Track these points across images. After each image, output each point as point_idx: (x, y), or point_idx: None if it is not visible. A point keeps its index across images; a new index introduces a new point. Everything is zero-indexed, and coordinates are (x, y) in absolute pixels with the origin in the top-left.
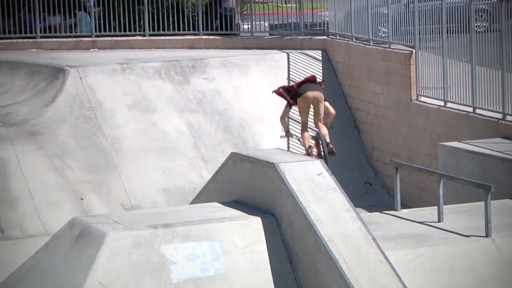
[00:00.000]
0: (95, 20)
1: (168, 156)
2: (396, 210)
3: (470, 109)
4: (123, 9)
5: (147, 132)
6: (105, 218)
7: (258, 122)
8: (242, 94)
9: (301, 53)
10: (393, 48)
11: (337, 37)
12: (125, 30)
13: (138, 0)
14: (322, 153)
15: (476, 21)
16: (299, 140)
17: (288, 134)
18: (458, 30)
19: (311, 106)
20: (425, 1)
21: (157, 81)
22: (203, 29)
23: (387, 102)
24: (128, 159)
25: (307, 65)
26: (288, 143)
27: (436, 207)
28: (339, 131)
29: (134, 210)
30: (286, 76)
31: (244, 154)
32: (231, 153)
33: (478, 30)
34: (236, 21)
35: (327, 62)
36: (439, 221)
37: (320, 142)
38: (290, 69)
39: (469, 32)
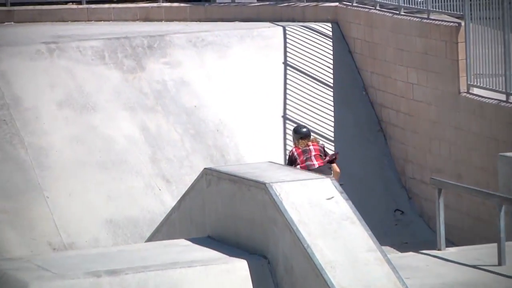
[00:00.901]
0: None
1: (114, 174)
2: (439, 249)
3: None
4: None
5: (85, 139)
6: (26, 262)
7: (242, 124)
8: (219, 84)
9: (303, 26)
10: (433, 19)
11: (354, 4)
12: None
13: None
14: None
15: None
16: None
17: None
18: None
19: None
20: None
21: (98, 67)
22: None
23: (425, 96)
24: (57, 179)
25: (312, 43)
26: (285, 156)
27: (495, 245)
28: (357, 137)
29: (67, 250)
30: (282, 60)
31: (222, 171)
32: (204, 169)
33: None
34: None
35: (340, 40)
36: (500, 264)
37: None
38: (288, 50)
39: None
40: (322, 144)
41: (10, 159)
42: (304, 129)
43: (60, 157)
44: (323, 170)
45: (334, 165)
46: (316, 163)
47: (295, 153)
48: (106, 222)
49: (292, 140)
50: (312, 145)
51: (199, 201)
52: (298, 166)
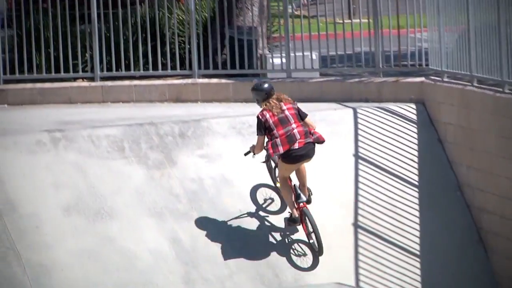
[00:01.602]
0: (3, 53)
1: None
2: None
3: None
4: (53, 33)
5: (99, 255)
6: None
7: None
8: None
9: (379, 108)
10: None
11: (445, 79)
12: (57, 71)
13: (81, 17)
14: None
15: None
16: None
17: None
18: None
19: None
20: None
21: (116, 161)
22: (199, 67)
23: None
24: None
25: (390, 129)
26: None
27: None
28: (449, 249)
29: None
30: (352, 150)
31: None
32: None
33: None
34: (260, 52)
35: (427, 125)
36: None
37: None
38: (360, 138)
39: None
40: (296, 103)
41: (4, 281)
42: (266, 85)
43: (67, 277)
44: (309, 152)
45: (307, 121)
46: (298, 136)
47: (269, 120)
48: None
49: (256, 101)
50: (288, 109)
51: None
52: (278, 140)
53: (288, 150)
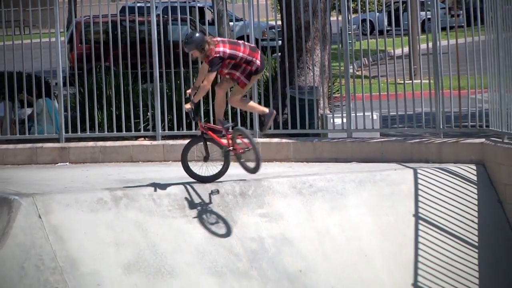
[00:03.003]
0: (65, 111)
1: None
2: None
3: None
4: (115, 92)
5: None
6: None
7: None
8: (332, 243)
9: (439, 168)
10: None
11: (505, 140)
12: (119, 130)
13: (143, 76)
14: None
15: None
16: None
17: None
18: None
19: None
20: None
21: (176, 220)
22: (259, 127)
23: None
24: None
25: (450, 190)
26: None
27: None
28: None
29: None
30: (412, 211)
31: None
32: None
33: None
34: (321, 112)
35: (487, 186)
36: None
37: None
38: (420, 199)
39: None
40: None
41: None
42: (197, 34)
43: None
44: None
45: None
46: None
47: (228, 51)
48: None
49: (196, 53)
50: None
51: None
52: (256, 63)
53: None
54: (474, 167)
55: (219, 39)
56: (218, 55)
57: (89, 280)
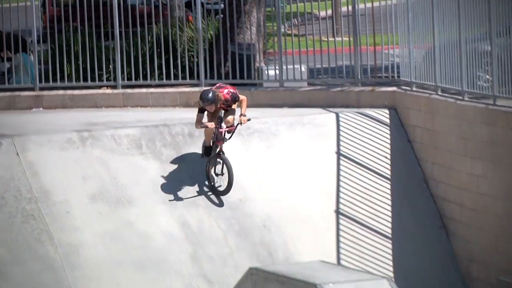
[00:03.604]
0: (39, 64)
1: (152, 274)
2: None
3: None
4: (82, 48)
5: (120, 236)
6: None
7: (292, 219)
8: (267, 176)
9: (357, 113)
10: (500, 106)
11: (413, 88)
12: (85, 80)
13: (105, 34)
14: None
15: None
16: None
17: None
18: None
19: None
20: None
21: (135, 157)
22: (205, 77)
23: (492, 189)
24: (90, 279)
25: (367, 131)
26: (339, 254)
27: None
28: (416, 234)
29: None
30: (335, 149)
31: (269, 271)
32: (250, 268)
33: None
34: (257, 65)
35: (398, 127)
36: None
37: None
38: (341, 138)
39: None
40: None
41: (39, 258)
42: (210, 93)
43: (93, 255)
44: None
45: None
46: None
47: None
48: None
49: (213, 107)
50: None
51: None
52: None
53: None
54: (387, 112)
55: (214, 87)
56: (229, 95)
57: (60, 208)
